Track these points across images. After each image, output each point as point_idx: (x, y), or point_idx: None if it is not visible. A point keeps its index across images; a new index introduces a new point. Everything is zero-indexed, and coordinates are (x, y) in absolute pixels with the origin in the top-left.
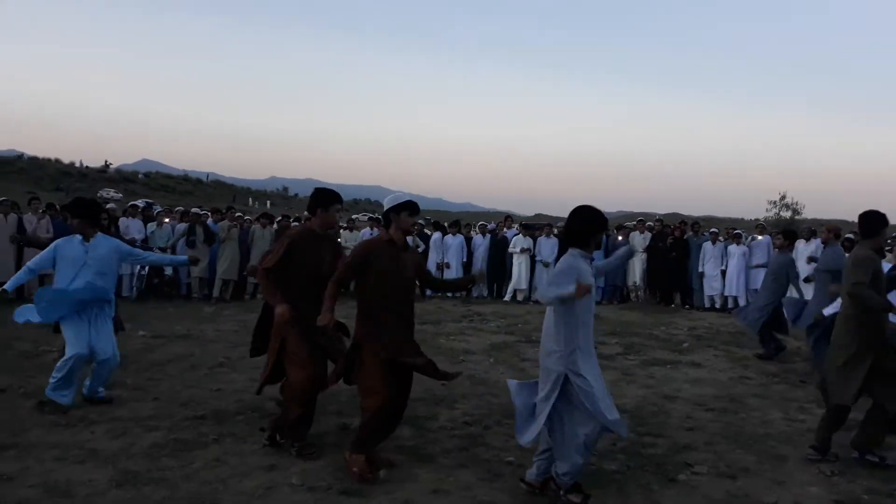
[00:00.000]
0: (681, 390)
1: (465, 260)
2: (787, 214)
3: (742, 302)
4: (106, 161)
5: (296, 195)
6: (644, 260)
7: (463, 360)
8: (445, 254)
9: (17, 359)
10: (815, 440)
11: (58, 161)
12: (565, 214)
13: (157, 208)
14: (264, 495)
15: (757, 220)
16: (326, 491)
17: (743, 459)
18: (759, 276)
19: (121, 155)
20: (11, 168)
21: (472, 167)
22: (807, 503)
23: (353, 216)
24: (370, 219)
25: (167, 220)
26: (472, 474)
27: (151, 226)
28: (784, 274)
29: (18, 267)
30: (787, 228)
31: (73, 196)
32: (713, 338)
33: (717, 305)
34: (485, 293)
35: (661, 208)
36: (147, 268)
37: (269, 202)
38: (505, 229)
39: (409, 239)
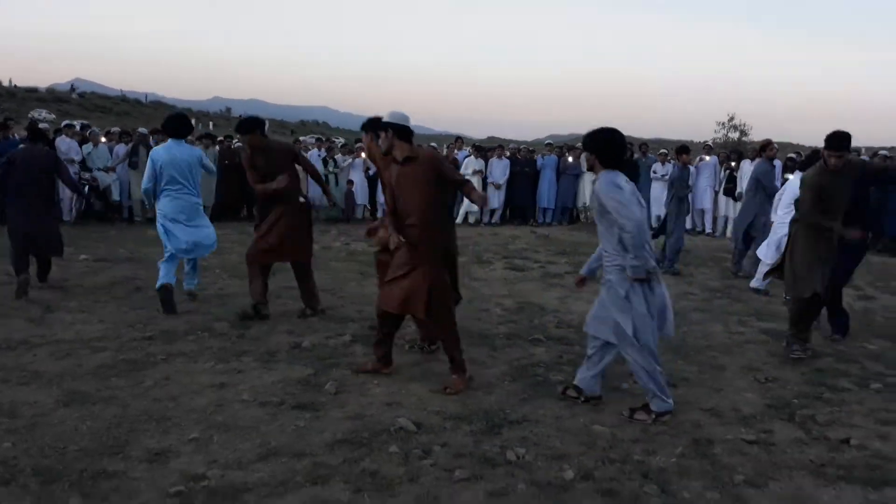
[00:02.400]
0: None
1: None
2: (735, 136)
3: (688, 223)
4: (72, 86)
5: (239, 116)
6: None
7: None
8: None
9: None
10: (793, 336)
11: None
12: (517, 137)
13: (94, 129)
14: (216, 412)
15: (705, 141)
16: (279, 406)
17: (684, 370)
18: (704, 198)
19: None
20: None
21: (423, 88)
22: (742, 408)
23: (301, 138)
24: (317, 140)
25: (103, 139)
26: (425, 387)
27: (87, 146)
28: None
29: None
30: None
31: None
32: (658, 257)
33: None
34: None
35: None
36: (88, 189)
37: (211, 123)
38: (456, 151)
39: (360, 160)
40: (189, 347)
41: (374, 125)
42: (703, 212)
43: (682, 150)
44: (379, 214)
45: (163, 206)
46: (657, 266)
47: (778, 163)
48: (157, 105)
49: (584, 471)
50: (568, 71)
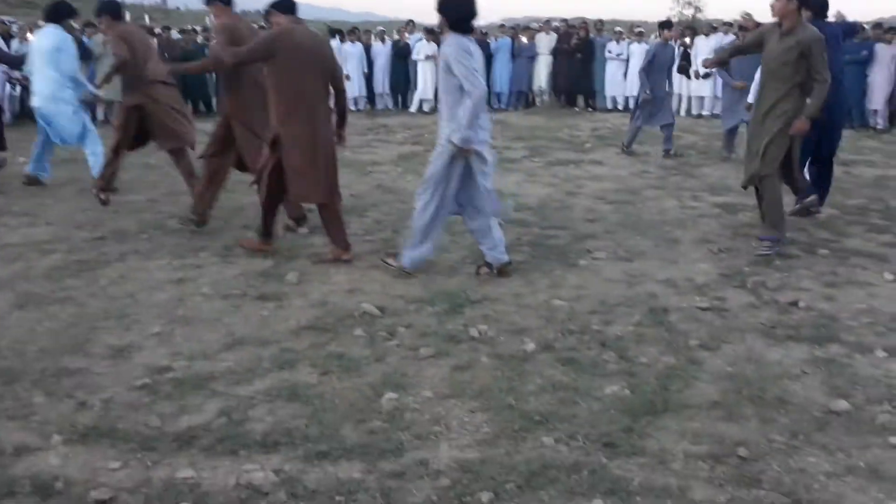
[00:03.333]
0: (583, 186)
1: (365, 70)
2: (689, 13)
3: None
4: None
5: (177, 8)
6: (549, 63)
7: (371, 172)
8: (345, 64)
9: None
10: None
11: None
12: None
13: (19, 24)
14: (177, 306)
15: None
16: (241, 297)
17: (640, 244)
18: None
19: None
20: None
21: None
22: (697, 278)
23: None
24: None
25: (30, 35)
26: (385, 274)
27: (15, 43)
28: None
29: None
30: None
31: None
32: (615, 137)
33: (620, 106)
34: (389, 105)
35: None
36: (19, 88)
37: (147, 16)
38: (407, 35)
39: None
40: (143, 246)
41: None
42: None
43: (665, 26)
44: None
45: None
46: (485, 144)
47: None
48: None
49: (544, 342)
50: None
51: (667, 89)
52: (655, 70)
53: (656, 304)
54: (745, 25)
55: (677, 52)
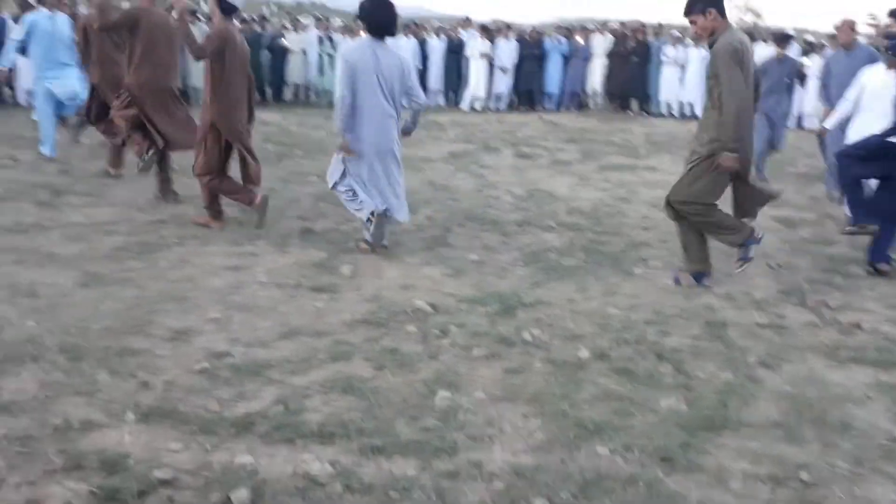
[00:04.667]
0: (637, 192)
1: (420, 66)
2: (749, 19)
3: (699, 110)
4: None
5: None
6: (605, 66)
7: (423, 169)
8: None
9: None
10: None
11: None
12: (524, 18)
13: None
14: (234, 292)
15: None
16: (296, 287)
17: None
18: None
19: None
20: None
21: None
22: (755, 293)
23: (301, 18)
24: (315, 19)
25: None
26: (438, 271)
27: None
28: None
29: None
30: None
31: None
32: (669, 143)
33: (675, 113)
34: (441, 101)
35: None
36: None
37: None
38: (461, 31)
39: None
40: (201, 231)
41: None
42: None
43: (782, 40)
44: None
45: None
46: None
47: None
48: None
49: (599, 351)
50: None
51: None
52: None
53: (714, 318)
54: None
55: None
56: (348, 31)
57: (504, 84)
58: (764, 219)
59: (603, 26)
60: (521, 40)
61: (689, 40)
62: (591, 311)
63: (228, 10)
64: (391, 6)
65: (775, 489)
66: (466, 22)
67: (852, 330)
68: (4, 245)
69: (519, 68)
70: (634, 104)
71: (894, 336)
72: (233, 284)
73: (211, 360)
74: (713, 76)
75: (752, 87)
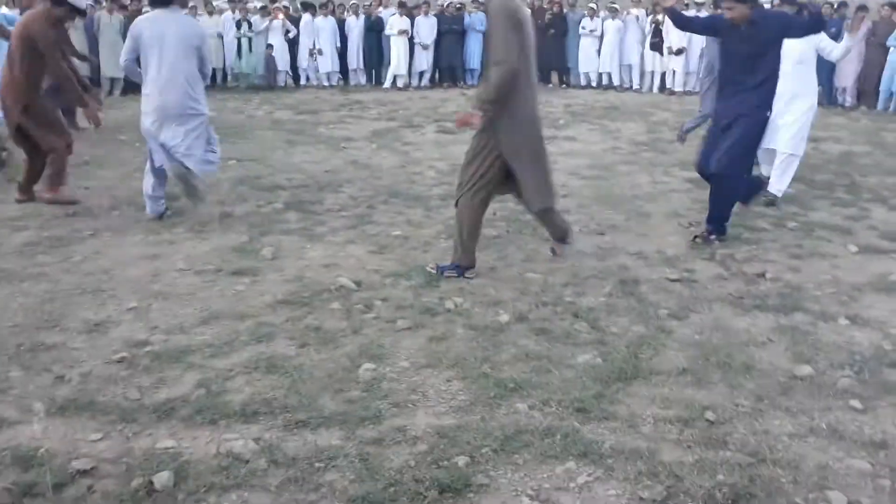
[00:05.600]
0: (556, 162)
1: (338, 45)
2: None
3: (616, 79)
4: None
5: None
6: None
7: (344, 147)
8: (317, 39)
9: None
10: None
11: None
12: None
13: None
14: (152, 281)
15: None
16: (216, 273)
17: (612, 218)
18: (632, 52)
19: None
20: None
21: None
22: (667, 250)
23: (214, 1)
24: (229, 0)
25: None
26: (362, 248)
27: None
28: None
29: None
30: None
31: None
32: (588, 113)
33: (593, 83)
34: (363, 80)
35: None
36: None
37: None
38: (380, 9)
39: (279, 22)
40: (116, 222)
41: None
42: (630, 67)
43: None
44: (302, 82)
45: None
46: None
47: None
48: None
49: (518, 314)
50: None
51: None
52: None
53: (627, 276)
54: None
55: (648, 28)
56: (267, 13)
57: (425, 61)
58: (677, 181)
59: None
60: (440, 16)
61: (604, 12)
62: (511, 277)
63: None
64: None
65: (683, 430)
66: None
67: (756, 280)
68: None
69: (439, 44)
70: (554, 76)
71: (795, 283)
72: (151, 273)
73: (129, 349)
74: (488, 36)
75: (527, 51)
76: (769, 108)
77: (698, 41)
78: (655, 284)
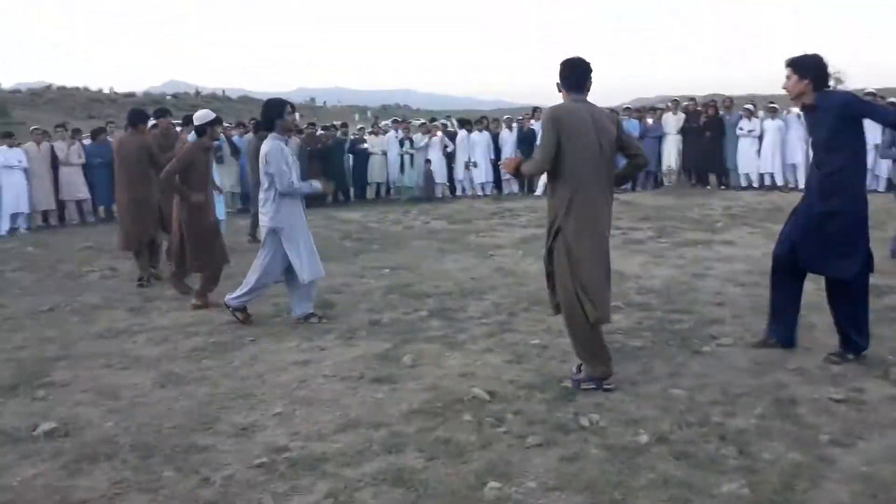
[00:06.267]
0: (712, 268)
1: (492, 157)
2: (830, 84)
3: (779, 180)
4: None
5: (324, 103)
6: (679, 142)
7: (492, 255)
8: (472, 152)
9: (62, 279)
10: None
11: (86, 89)
12: (601, 101)
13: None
14: (299, 387)
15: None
16: (358, 380)
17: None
18: (795, 152)
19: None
20: (40, 99)
21: (503, 61)
22: (831, 367)
23: (382, 122)
24: (394, 121)
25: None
26: (499, 357)
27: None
28: None
29: (56, 193)
30: None
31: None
32: (748, 216)
33: (755, 184)
34: (515, 189)
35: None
36: None
37: (298, 114)
38: (532, 121)
39: (438, 139)
40: (276, 329)
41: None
42: (794, 166)
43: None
44: (458, 193)
45: None
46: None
47: None
48: (245, 100)
49: (659, 434)
50: (647, 28)
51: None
52: None
53: (784, 395)
54: None
55: None
56: (427, 130)
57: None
58: None
59: (675, 105)
60: None
61: (762, 112)
62: (653, 393)
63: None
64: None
65: None
66: (536, 112)
67: None
68: (97, 350)
69: None
70: (713, 178)
71: None
72: (299, 379)
73: (270, 454)
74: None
75: (577, 154)
76: None
77: None
78: (816, 405)
